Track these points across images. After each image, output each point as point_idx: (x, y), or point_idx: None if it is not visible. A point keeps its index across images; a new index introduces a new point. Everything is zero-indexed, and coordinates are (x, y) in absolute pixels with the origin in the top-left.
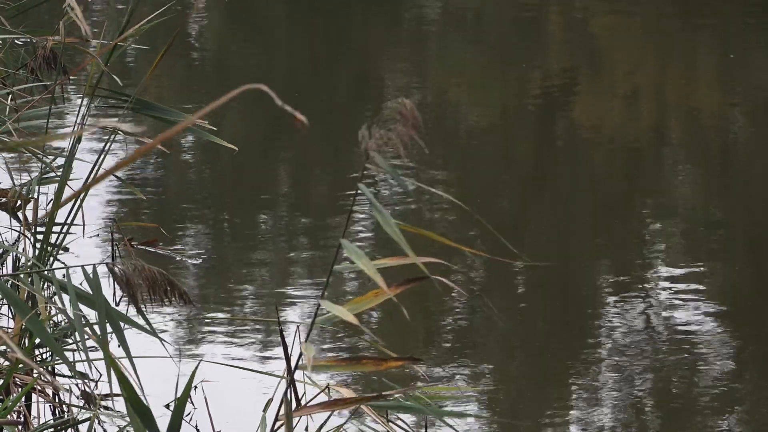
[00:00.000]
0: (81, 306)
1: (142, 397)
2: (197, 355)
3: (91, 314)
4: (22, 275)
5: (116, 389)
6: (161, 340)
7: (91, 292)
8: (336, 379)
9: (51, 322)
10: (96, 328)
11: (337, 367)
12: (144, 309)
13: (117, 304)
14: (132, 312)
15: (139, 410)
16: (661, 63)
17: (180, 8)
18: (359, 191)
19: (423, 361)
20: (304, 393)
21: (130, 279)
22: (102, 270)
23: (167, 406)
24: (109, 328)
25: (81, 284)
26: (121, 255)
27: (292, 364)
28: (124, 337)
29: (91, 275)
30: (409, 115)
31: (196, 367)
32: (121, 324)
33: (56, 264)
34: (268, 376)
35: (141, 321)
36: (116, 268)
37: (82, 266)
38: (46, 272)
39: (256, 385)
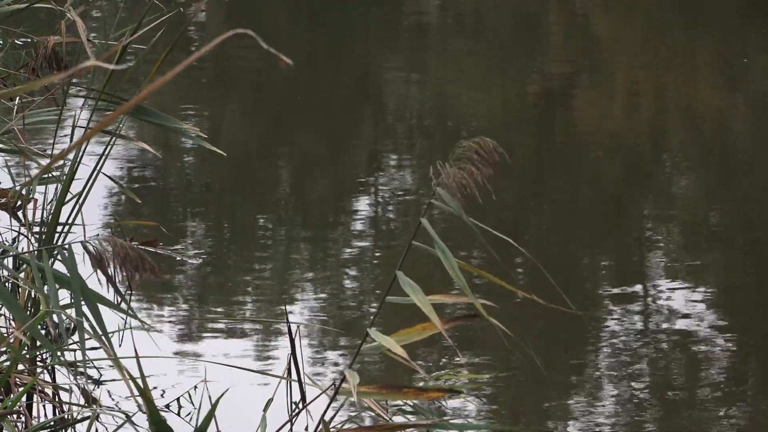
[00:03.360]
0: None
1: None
2: (197, 355)
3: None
4: (17, 267)
5: (116, 388)
6: (142, 321)
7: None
8: (334, 375)
9: (52, 321)
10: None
11: (378, 394)
12: (118, 287)
13: (119, 303)
14: (134, 313)
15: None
16: (662, 63)
17: (180, 8)
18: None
19: (463, 393)
20: (304, 393)
21: (102, 256)
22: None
23: (167, 406)
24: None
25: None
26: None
27: (293, 364)
28: (102, 318)
29: (67, 255)
30: (491, 154)
31: (221, 396)
32: (122, 321)
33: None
34: (267, 376)
35: (123, 306)
36: (90, 246)
37: (58, 246)
38: (25, 254)
39: (256, 385)
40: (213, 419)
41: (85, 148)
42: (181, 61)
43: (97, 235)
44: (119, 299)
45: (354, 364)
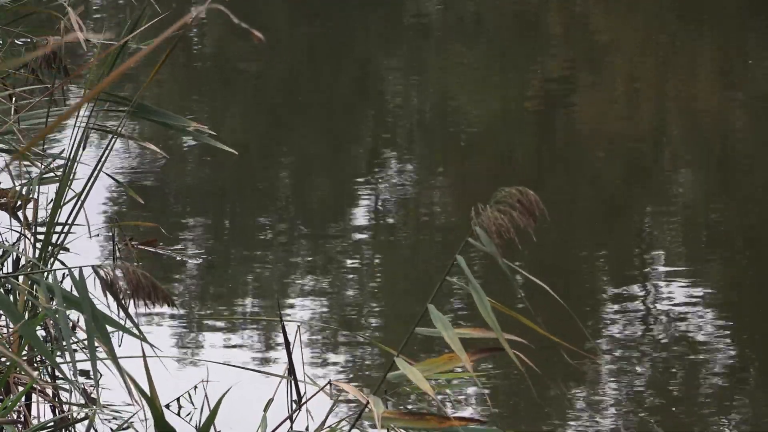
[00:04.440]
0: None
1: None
2: (197, 355)
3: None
4: (20, 276)
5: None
6: (151, 345)
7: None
8: (334, 375)
9: (50, 323)
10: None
11: (401, 420)
12: (129, 313)
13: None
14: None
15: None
16: (662, 63)
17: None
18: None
19: (487, 422)
20: (305, 392)
21: (113, 282)
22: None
23: (167, 406)
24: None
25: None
26: (122, 255)
27: (294, 362)
28: (110, 341)
29: (77, 278)
30: (532, 206)
31: (221, 398)
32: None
33: (56, 265)
34: (268, 376)
35: (130, 325)
36: (101, 272)
37: (69, 269)
38: (34, 275)
39: (256, 384)
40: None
41: (83, 145)
42: (180, 60)
43: (106, 261)
44: (129, 321)
45: (352, 359)
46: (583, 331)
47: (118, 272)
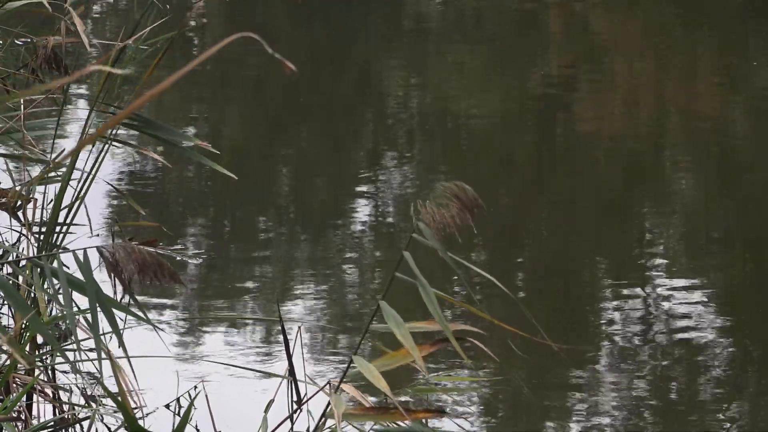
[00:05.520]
0: (80, 303)
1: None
2: (197, 355)
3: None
4: (19, 266)
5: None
6: (154, 326)
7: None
8: (335, 375)
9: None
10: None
11: (365, 416)
12: (134, 294)
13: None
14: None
15: None
16: (662, 63)
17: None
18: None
19: (448, 414)
20: (306, 393)
21: (119, 261)
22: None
23: (167, 406)
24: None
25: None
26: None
27: (294, 363)
28: (116, 323)
29: (81, 259)
30: (468, 200)
31: (194, 397)
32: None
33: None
34: (268, 376)
35: (135, 310)
36: (105, 251)
37: (73, 251)
38: (37, 259)
39: (256, 385)
40: (211, 419)
41: (81, 149)
42: (179, 63)
43: (112, 240)
44: (132, 304)
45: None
46: (584, 333)
47: (122, 252)
